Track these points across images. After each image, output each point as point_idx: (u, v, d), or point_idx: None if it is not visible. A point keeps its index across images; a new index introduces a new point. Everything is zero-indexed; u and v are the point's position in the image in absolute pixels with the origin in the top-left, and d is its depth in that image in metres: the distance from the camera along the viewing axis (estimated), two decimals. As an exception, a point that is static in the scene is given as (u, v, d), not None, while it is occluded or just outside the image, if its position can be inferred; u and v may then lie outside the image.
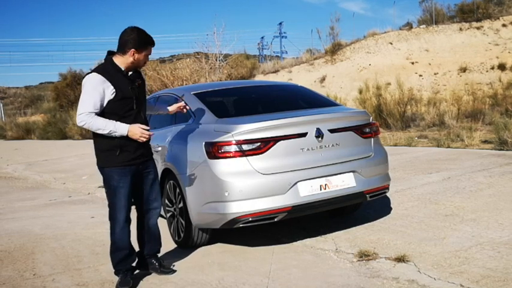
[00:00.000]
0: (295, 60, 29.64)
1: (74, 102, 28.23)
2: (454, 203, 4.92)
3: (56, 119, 24.72)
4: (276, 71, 27.83)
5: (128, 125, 3.32)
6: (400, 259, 3.55)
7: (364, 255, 3.72)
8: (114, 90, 3.28)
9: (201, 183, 3.93)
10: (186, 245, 4.24)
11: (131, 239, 3.56)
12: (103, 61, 3.43)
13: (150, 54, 3.44)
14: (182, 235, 4.25)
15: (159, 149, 4.60)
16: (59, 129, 23.34)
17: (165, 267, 3.73)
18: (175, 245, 4.38)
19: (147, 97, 5.83)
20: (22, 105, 51.87)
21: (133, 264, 3.64)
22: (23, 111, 44.84)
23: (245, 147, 3.77)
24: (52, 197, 7.85)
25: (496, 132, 8.38)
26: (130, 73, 3.42)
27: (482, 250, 3.61)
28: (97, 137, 3.40)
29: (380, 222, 4.56)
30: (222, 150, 3.77)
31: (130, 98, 3.36)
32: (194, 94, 4.65)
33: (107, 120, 3.29)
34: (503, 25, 26.88)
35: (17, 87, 68.98)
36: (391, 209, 4.97)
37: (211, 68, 23.96)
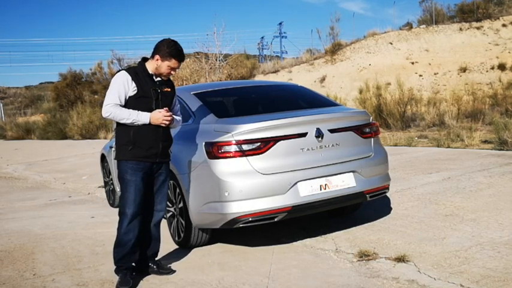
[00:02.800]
0: (295, 60, 29.66)
1: (73, 102, 28.23)
2: (454, 203, 4.92)
3: (56, 119, 24.71)
4: (276, 71, 27.84)
5: (149, 113, 3.47)
6: (400, 259, 3.55)
7: (364, 255, 3.72)
8: (135, 87, 3.49)
9: (201, 183, 3.93)
10: (186, 245, 4.24)
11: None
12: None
13: (174, 66, 3.56)
14: (182, 235, 4.25)
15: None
16: (59, 129, 23.34)
17: (163, 268, 3.74)
18: (176, 245, 4.38)
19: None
20: (22, 105, 51.83)
21: (134, 264, 3.64)
22: (23, 111, 44.82)
23: (245, 147, 3.77)
24: (52, 197, 7.85)
25: (496, 132, 8.38)
26: (158, 79, 3.61)
27: (482, 250, 3.61)
28: (117, 131, 3.62)
29: (380, 222, 4.56)
30: (222, 150, 3.77)
31: (149, 98, 3.52)
32: (194, 94, 4.65)
33: (131, 110, 3.47)
34: (503, 25, 26.89)
35: (17, 87, 68.93)
36: (391, 209, 4.97)
37: (211, 68, 23.97)
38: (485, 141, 8.95)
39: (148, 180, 3.60)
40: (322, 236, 4.33)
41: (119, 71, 3.61)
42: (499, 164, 6.56)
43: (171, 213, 4.47)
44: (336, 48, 28.37)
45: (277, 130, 3.83)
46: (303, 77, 25.41)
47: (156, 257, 3.80)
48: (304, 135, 3.91)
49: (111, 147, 6.11)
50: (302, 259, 3.80)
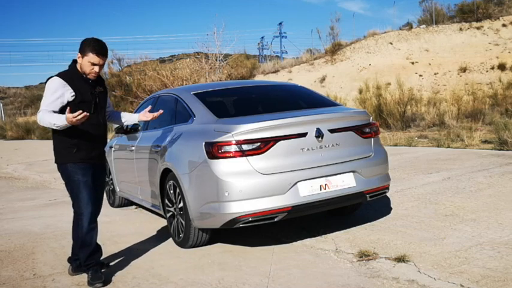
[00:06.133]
0: (295, 60, 29.69)
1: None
2: (454, 203, 4.92)
3: (56, 119, 24.63)
4: (276, 71, 27.88)
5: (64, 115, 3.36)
6: (400, 259, 3.55)
7: (364, 255, 3.72)
8: (73, 93, 3.45)
9: (201, 183, 3.93)
10: (186, 245, 4.24)
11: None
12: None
13: (93, 62, 3.48)
14: (182, 235, 4.25)
15: (159, 149, 4.60)
16: (59, 129, 23.28)
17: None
18: (176, 245, 4.38)
19: (147, 97, 5.86)
20: (22, 105, 51.85)
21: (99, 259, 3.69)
22: (23, 111, 44.81)
23: (245, 147, 3.76)
24: (52, 197, 7.85)
25: (496, 132, 8.39)
26: (91, 80, 3.58)
27: (482, 250, 3.61)
28: (55, 135, 3.55)
29: (380, 222, 4.55)
30: (222, 150, 3.77)
31: (89, 102, 3.52)
32: (194, 94, 4.65)
33: (55, 114, 3.39)
34: (503, 25, 26.91)
35: (17, 87, 68.98)
36: (391, 209, 4.97)
37: (211, 68, 23.97)
38: (485, 141, 8.95)
39: (93, 180, 3.65)
40: (322, 236, 4.33)
41: (51, 76, 3.51)
42: (499, 164, 6.57)
43: (171, 213, 4.47)
44: (336, 48, 28.40)
45: (277, 130, 3.83)
46: (303, 77, 25.42)
47: None
48: (304, 135, 3.91)
49: (110, 147, 6.11)
50: (302, 259, 3.80)
